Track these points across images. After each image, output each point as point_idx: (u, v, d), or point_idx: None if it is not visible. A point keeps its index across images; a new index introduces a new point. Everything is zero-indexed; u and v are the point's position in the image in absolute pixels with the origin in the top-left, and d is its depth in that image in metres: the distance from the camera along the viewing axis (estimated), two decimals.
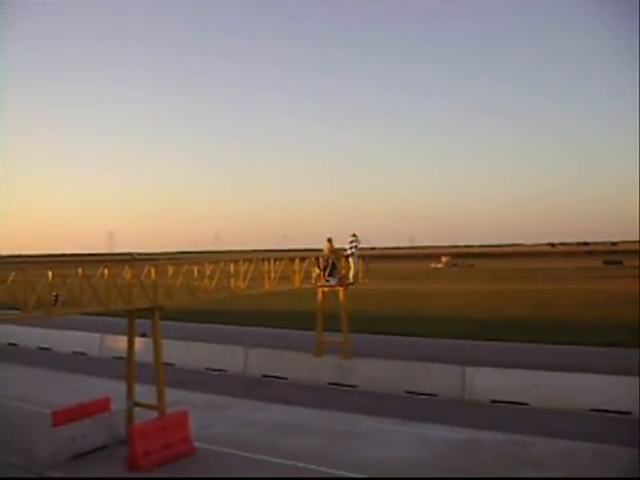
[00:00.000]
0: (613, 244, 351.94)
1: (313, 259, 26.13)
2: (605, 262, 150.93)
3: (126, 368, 18.75)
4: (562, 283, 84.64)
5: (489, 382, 23.44)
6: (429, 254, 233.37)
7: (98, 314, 21.35)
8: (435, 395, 23.87)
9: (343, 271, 27.30)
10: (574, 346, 32.66)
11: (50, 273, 15.87)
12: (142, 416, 18.31)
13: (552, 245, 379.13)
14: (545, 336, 35.75)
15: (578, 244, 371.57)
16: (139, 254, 44.65)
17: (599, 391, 21.58)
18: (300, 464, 16.71)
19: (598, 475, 15.45)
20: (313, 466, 16.55)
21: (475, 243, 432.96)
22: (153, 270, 18.11)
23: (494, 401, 22.69)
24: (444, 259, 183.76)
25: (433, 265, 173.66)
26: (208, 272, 20.26)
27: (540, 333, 36.97)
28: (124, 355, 19.24)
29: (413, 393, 24.31)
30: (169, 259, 22.11)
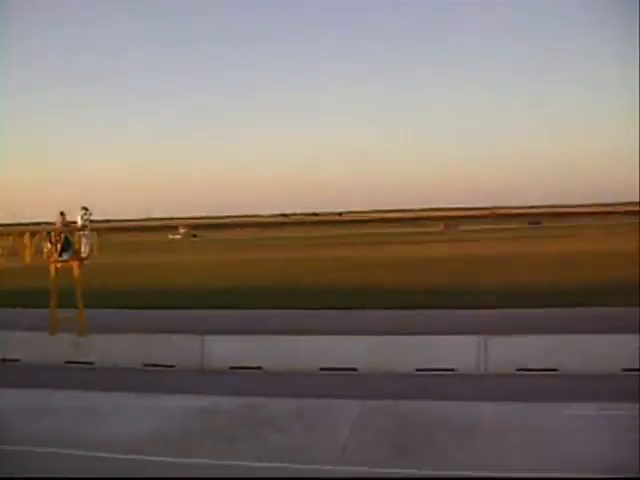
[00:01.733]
0: (339, 214, 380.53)
1: (44, 233, 24.99)
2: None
3: None
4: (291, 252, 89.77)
5: (227, 349, 24.36)
6: (167, 225, 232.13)
7: None
8: (174, 366, 24.27)
9: (77, 245, 26.48)
10: (308, 310, 34.94)
11: None
12: None
13: (285, 215, 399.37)
14: (286, 302, 37.76)
15: (308, 215, 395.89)
16: None
17: (327, 351, 23.50)
18: (37, 449, 16.01)
19: (329, 423, 17.11)
20: (52, 449, 15.92)
21: (214, 214, 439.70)
22: None
23: (232, 367, 23.68)
24: (182, 230, 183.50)
25: (171, 236, 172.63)
26: None
27: (282, 299, 38.95)
28: None
29: (152, 365, 24.45)
30: None
